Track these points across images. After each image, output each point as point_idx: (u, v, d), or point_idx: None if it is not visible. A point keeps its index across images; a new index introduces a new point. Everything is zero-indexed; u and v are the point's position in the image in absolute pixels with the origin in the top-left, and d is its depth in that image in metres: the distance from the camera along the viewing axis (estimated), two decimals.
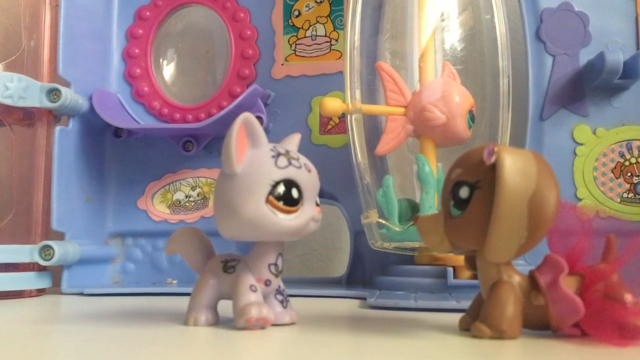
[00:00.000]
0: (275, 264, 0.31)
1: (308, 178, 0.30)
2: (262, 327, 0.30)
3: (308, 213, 0.30)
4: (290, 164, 0.29)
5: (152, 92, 0.62)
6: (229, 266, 0.32)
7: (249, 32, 0.61)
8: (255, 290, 0.31)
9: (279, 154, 0.30)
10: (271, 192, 0.29)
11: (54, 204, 0.53)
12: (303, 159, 0.31)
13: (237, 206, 0.29)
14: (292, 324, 0.32)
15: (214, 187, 0.31)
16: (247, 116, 0.29)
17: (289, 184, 0.29)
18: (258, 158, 0.29)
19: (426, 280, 0.47)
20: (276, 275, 0.32)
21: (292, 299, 0.34)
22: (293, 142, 0.33)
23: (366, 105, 0.50)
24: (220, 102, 0.60)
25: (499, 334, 0.27)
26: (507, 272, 0.28)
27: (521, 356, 0.25)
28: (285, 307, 0.33)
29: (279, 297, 0.33)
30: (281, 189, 0.29)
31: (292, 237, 0.30)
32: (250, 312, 0.30)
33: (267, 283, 0.31)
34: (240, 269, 0.31)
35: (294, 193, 0.29)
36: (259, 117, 0.58)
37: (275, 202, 0.29)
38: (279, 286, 0.33)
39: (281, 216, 0.29)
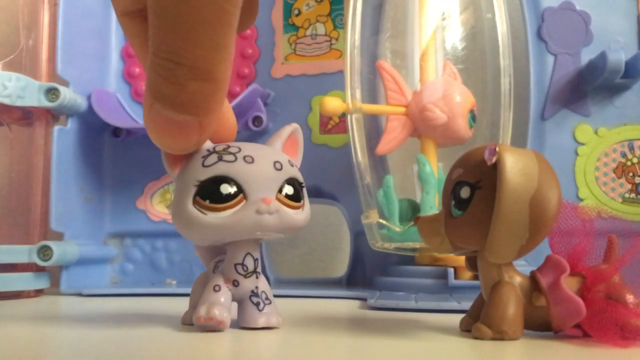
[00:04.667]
0: (243, 264, 0.30)
1: (248, 169, 0.28)
2: (217, 328, 0.29)
3: (251, 206, 0.28)
4: (220, 159, 0.28)
5: None
6: (216, 266, 0.32)
7: (248, 31, 0.61)
8: (217, 291, 0.30)
9: (211, 153, 0.28)
10: (197, 193, 0.28)
11: (52, 204, 0.53)
12: (247, 151, 0.29)
13: (173, 210, 0.29)
14: (270, 328, 0.31)
15: None
16: None
17: (217, 180, 0.28)
18: (190, 160, 0.29)
19: (427, 281, 0.46)
20: (245, 276, 0.30)
21: (291, 300, 0.34)
22: (282, 136, 0.32)
23: (366, 105, 0.50)
24: None
25: (500, 335, 0.27)
26: (508, 272, 0.28)
27: (522, 357, 0.25)
28: (261, 310, 0.31)
29: (255, 299, 0.31)
30: (207, 187, 0.28)
31: (238, 235, 0.29)
32: (199, 311, 0.29)
33: (235, 284, 0.30)
34: (219, 268, 0.31)
35: (225, 189, 0.28)
36: (258, 117, 0.58)
37: (202, 201, 0.28)
38: (256, 288, 0.31)
39: (211, 215, 0.28)
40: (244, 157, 0.28)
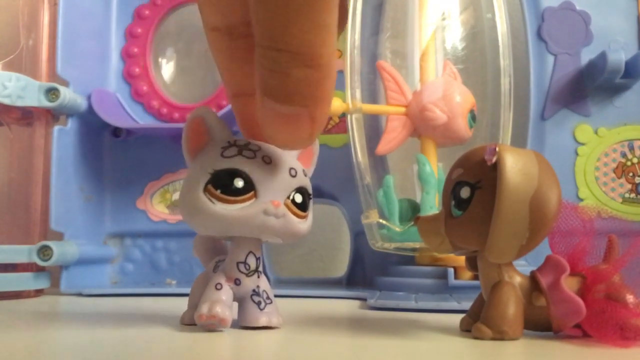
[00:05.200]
0: (245, 263, 0.30)
1: (265, 169, 0.28)
2: (219, 326, 0.29)
3: (259, 205, 0.28)
4: (239, 154, 0.28)
5: (151, 92, 0.62)
6: (217, 265, 0.32)
7: None
8: (219, 289, 0.30)
9: (231, 145, 0.29)
10: (210, 181, 0.28)
11: (52, 204, 0.53)
12: (266, 151, 0.29)
13: (181, 194, 0.29)
14: (270, 327, 0.31)
15: None
16: (199, 111, 0.29)
17: (232, 173, 0.28)
18: (208, 150, 0.29)
19: (427, 281, 0.46)
20: (247, 275, 0.30)
21: (291, 300, 0.34)
22: None
23: (367, 105, 0.50)
24: (220, 102, 0.60)
25: (500, 335, 0.27)
26: (508, 272, 0.28)
27: (522, 357, 0.25)
28: (262, 309, 0.31)
29: (256, 298, 0.31)
30: (222, 177, 0.28)
31: (240, 231, 0.29)
32: (201, 309, 0.29)
33: (237, 282, 0.30)
34: (220, 267, 0.31)
35: (238, 183, 0.28)
36: None
37: (213, 190, 0.28)
38: (257, 287, 0.31)
39: (220, 205, 0.28)
40: (263, 157, 0.29)
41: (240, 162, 0.28)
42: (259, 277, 0.31)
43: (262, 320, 0.30)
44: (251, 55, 0.24)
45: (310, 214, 0.31)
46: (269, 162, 0.29)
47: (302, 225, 0.30)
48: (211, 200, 0.28)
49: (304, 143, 0.26)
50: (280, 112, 0.24)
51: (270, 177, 0.28)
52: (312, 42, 0.23)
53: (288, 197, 0.29)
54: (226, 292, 0.30)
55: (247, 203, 0.28)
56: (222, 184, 0.28)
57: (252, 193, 0.28)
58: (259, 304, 0.31)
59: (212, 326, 0.29)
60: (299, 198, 0.30)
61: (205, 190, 0.28)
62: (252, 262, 0.30)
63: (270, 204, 0.28)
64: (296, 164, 0.30)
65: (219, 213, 0.28)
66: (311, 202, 0.31)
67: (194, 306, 0.32)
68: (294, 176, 0.29)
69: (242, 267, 0.30)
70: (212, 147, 0.29)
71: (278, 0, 0.22)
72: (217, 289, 0.30)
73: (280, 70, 0.23)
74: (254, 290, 0.31)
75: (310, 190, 0.31)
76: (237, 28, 0.27)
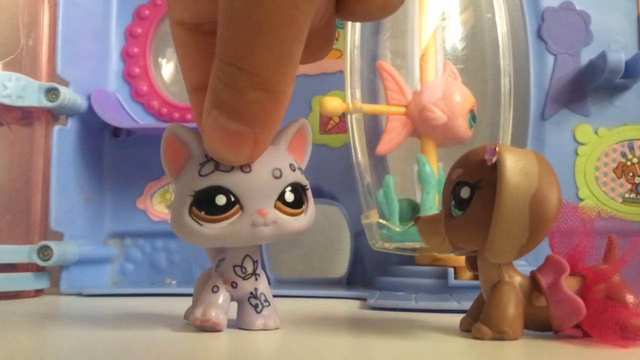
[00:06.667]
0: (241, 266, 0.30)
1: (245, 179, 0.27)
2: (213, 330, 0.29)
3: (246, 218, 0.27)
4: (216, 169, 0.27)
5: (151, 92, 0.62)
6: (218, 264, 0.32)
7: None
8: (215, 292, 0.30)
9: (208, 160, 0.27)
10: (193, 203, 0.27)
11: (52, 203, 0.53)
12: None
13: (171, 217, 0.29)
14: (266, 329, 0.31)
15: None
16: (172, 129, 0.28)
17: (213, 191, 0.27)
18: (187, 167, 0.28)
19: (427, 281, 0.46)
20: (244, 278, 0.30)
21: (291, 300, 0.34)
22: (287, 135, 0.30)
23: (367, 105, 0.50)
24: None
25: (500, 335, 0.27)
26: (508, 272, 0.28)
27: (522, 357, 0.25)
28: (259, 312, 0.31)
29: (253, 301, 0.31)
30: (202, 198, 0.27)
31: (233, 244, 0.29)
32: (196, 312, 0.29)
33: (234, 285, 0.30)
34: (220, 268, 0.31)
35: (221, 200, 0.27)
36: None
37: (198, 212, 0.27)
38: (255, 289, 0.31)
39: (207, 226, 0.27)
40: (241, 167, 0.27)
41: (219, 178, 0.27)
42: (256, 279, 0.31)
43: (258, 324, 0.30)
44: (212, 52, 0.24)
45: (308, 206, 0.30)
46: (249, 171, 0.27)
47: (299, 222, 0.29)
48: (198, 222, 0.27)
49: (241, 162, 0.27)
50: (226, 127, 0.24)
51: (252, 186, 0.27)
52: (275, 68, 0.23)
53: (280, 198, 0.28)
54: (222, 295, 0.30)
55: (234, 218, 0.27)
56: (205, 204, 0.27)
57: (236, 207, 0.27)
58: (256, 306, 0.31)
59: (206, 329, 0.30)
60: (290, 197, 0.28)
61: (191, 212, 0.27)
62: (248, 265, 0.30)
63: (257, 215, 0.27)
64: (282, 162, 0.29)
65: (208, 234, 0.27)
66: (308, 192, 0.30)
67: (193, 305, 0.32)
68: (278, 177, 0.28)
69: (238, 270, 0.30)
70: (191, 164, 0.28)
71: (249, 22, 0.22)
72: (213, 291, 0.30)
73: (236, 88, 0.23)
74: (251, 293, 0.31)
75: (304, 182, 0.29)
76: (203, 25, 0.26)
